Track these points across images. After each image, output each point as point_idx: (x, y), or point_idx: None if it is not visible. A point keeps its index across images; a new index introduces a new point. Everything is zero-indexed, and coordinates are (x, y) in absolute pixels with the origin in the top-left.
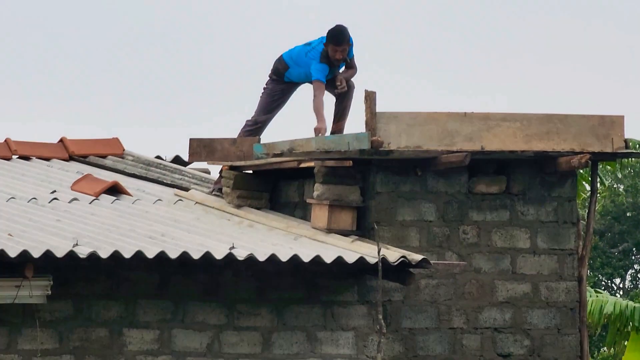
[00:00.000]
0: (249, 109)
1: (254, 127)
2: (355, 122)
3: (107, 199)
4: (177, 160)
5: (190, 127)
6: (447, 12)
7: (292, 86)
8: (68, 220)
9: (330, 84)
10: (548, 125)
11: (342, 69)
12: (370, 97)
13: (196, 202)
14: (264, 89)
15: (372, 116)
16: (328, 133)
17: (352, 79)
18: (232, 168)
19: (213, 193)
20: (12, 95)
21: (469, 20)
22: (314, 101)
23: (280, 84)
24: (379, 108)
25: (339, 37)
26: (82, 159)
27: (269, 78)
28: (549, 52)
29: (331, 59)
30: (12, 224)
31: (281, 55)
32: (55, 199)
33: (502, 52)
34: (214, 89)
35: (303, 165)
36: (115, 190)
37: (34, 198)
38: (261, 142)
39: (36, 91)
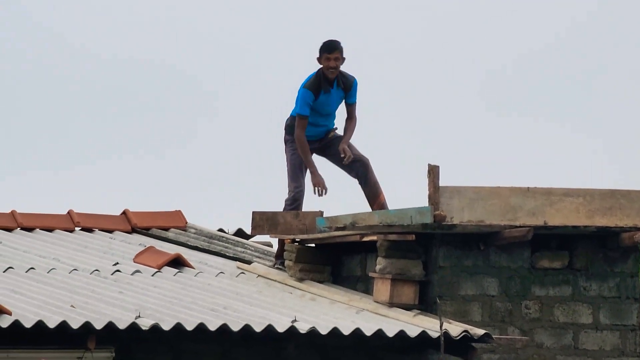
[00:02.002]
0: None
1: (294, 205)
2: (417, 196)
3: (169, 271)
4: (239, 233)
5: (252, 200)
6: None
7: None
8: (130, 292)
9: (337, 159)
10: (611, 201)
11: (338, 136)
12: (433, 172)
13: (258, 275)
14: (286, 157)
15: (435, 190)
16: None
17: (364, 157)
18: (294, 241)
19: (275, 266)
20: (74, 166)
21: (533, 94)
22: (298, 146)
23: (294, 143)
24: (442, 182)
25: (330, 45)
26: (145, 231)
27: (284, 144)
28: (608, 126)
29: (326, 70)
30: (75, 296)
31: (290, 114)
32: (117, 271)
33: (564, 127)
34: (275, 162)
35: (366, 239)
36: (177, 262)
37: (97, 270)
38: (324, 215)
39: (98, 164)
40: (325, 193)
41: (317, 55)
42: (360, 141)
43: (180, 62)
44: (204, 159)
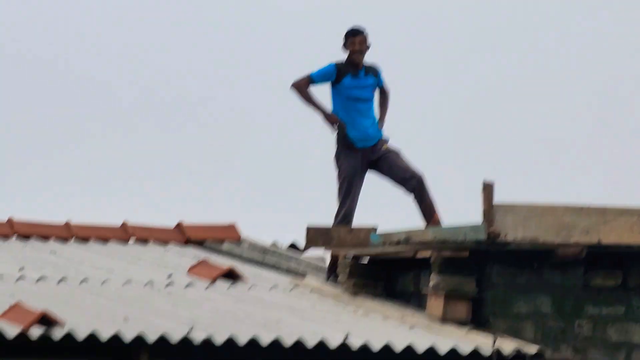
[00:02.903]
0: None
1: (345, 221)
2: (471, 213)
3: (222, 284)
4: (293, 247)
5: (307, 213)
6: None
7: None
8: (183, 305)
9: (391, 173)
10: None
11: (392, 150)
12: (488, 189)
13: (312, 290)
14: (337, 172)
15: (489, 207)
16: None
17: (418, 173)
18: (348, 256)
19: (329, 281)
20: (129, 177)
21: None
22: (296, 93)
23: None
24: (496, 199)
25: (353, 29)
26: (199, 243)
27: (335, 159)
28: None
29: (351, 55)
30: (128, 308)
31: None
32: (171, 283)
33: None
34: (329, 175)
35: (419, 255)
36: (231, 276)
37: (150, 282)
38: (377, 231)
39: (152, 174)
40: (344, 126)
41: (342, 42)
42: (412, 156)
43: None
44: (257, 171)
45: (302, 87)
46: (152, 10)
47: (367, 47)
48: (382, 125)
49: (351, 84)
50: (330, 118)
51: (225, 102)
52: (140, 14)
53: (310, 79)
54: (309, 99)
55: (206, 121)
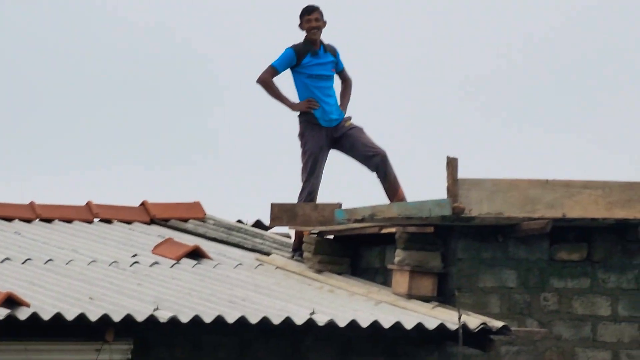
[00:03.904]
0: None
1: (309, 199)
2: (436, 188)
3: (188, 263)
4: (258, 224)
5: (271, 192)
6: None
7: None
8: (149, 284)
9: (354, 152)
10: (630, 193)
11: (355, 127)
12: (452, 164)
13: (277, 267)
14: (301, 150)
15: (453, 183)
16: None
17: (382, 150)
18: (313, 233)
19: (294, 258)
20: (93, 157)
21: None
22: (263, 87)
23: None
24: (460, 174)
25: (307, 7)
26: (164, 222)
27: (299, 137)
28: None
29: (308, 33)
30: (93, 287)
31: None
32: (136, 262)
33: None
34: (295, 155)
35: (384, 231)
36: (196, 254)
37: (115, 261)
38: (342, 207)
39: (117, 155)
40: (317, 104)
41: (298, 23)
42: (376, 132)
43: (196, 49)
44: (222, 151)
45: (268, 80)
46: None
47: (324, 24)
48: (344, 111)
49: (311, 61)
50: (300, 105)
51: (187, 80)
52: None
53: (274, 70)
54: (276, 93)
55: (167, 99)
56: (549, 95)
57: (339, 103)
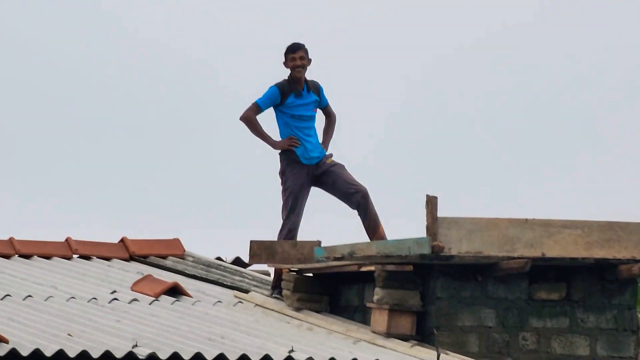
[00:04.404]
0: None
1: (289, 236)
2: (415, 227)
3: (167, 300)
4: (237, 262)
5: (250, 229)
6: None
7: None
8: (128, 320)
9: (335, 189)
10: (609, 233)
11: (336, 164)
12: (431, 202)
13: (256, 305)
14: (282, 188)
15: (433, 221)
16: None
17: (363, 187)
18: (292, 271)
19: (273, 296)
20: (72, 195)
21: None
22: (246, 125)
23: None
24: (440, 213)
25: (292, 46)
26: (143, 259)
27: (280, 175)
28: (609, 158)
29: (293, 71)
30: (72, 324)
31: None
32: (115, 299)
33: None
34: (275, 191)
35: (364, 269)
36: (175, 291)
37: (94, 298)
38: (322, 245)
39: (95, 193)
40: (296, 143)
41: (283, 60)
42: (356, 170)
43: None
44: (201, 187)
45: (251, 118)
46: None
47: (309, 62)
48: (326, 148)
49: (294, 102)
50: (282, 143)
51: (166, 113)
52: None
53: (258, 107)
54: (259, 131)
55: (146, 135)
56: (531, 136)
57: (321, 139)
